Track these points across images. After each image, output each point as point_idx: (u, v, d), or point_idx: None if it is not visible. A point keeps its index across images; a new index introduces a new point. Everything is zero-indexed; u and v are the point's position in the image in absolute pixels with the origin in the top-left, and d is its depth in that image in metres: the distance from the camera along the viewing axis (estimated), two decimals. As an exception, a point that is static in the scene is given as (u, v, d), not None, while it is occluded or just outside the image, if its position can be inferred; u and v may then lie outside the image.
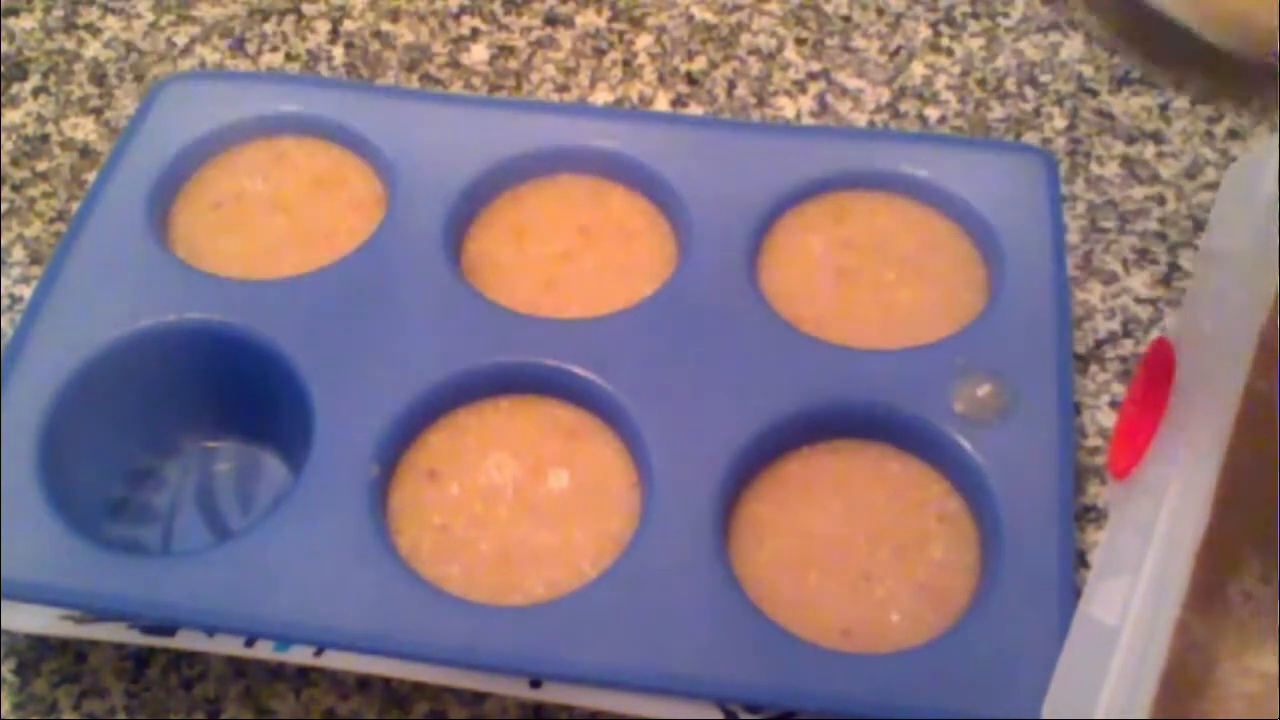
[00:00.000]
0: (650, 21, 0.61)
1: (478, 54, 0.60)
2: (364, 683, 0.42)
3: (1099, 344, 0.50)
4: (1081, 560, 0.43)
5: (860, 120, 0.57)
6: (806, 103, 0.58)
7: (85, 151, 0.57)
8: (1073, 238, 0.52)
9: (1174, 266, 0.51)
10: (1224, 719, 0.33)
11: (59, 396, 0.44)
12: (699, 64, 0.59)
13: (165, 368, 0.45)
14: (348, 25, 0.62)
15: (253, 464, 0.47)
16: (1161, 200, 0.54)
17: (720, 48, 0.60)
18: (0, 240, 0.54)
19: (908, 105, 0.57)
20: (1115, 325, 0.50)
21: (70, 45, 0.62)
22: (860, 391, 0.44)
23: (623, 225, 0.50)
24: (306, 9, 0.62)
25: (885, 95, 0.58)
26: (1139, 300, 0.51)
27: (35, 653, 0.44)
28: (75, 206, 0.53)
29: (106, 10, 0.63)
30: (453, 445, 0.44)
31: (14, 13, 0.63)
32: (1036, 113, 0.57)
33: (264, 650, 0.40)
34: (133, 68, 0.60)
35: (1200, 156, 0.55)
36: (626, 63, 0.59)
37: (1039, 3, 0.61)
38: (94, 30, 0.62)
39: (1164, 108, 0.57)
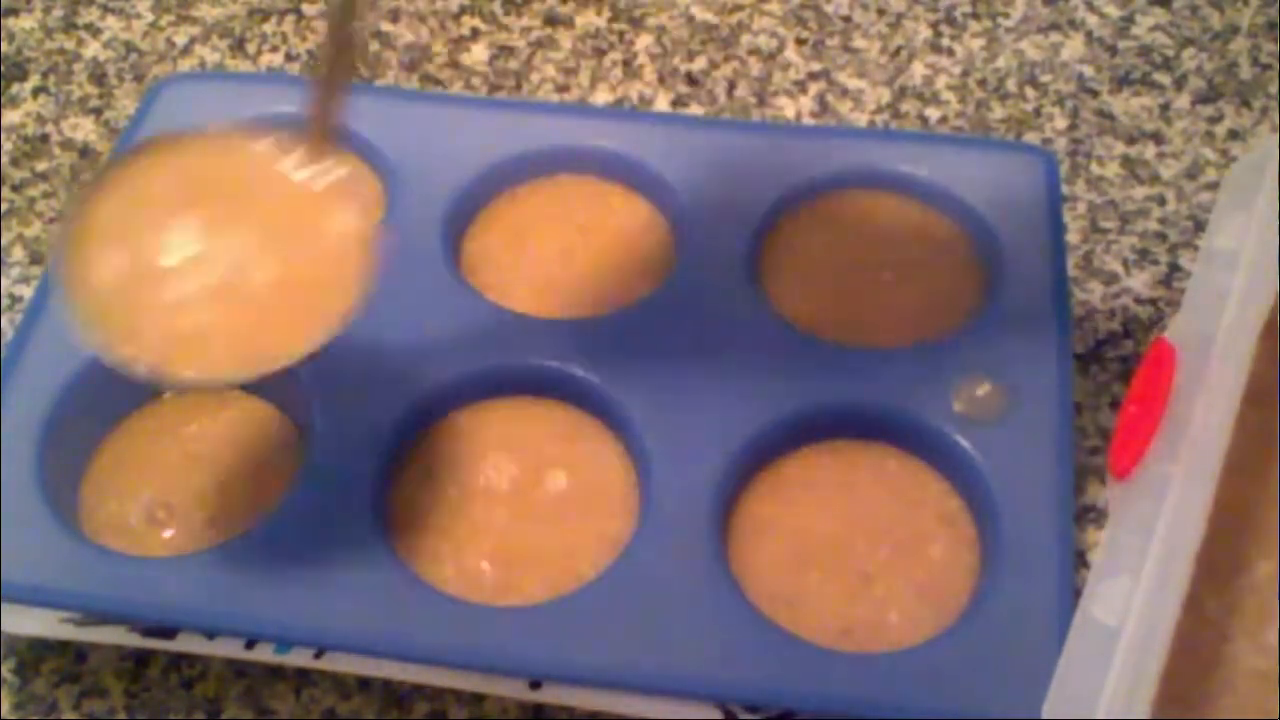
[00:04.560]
0: (650, 22, 0.61)
1: (478, 54, 0.60)
2: (364, 683, 0.42)
3: (1099, 344, 0.49)
4: (1081, 560, 0.43)
5: (860, 120, 0.57)
6: (806, 103, 0.58)
7: (85, 151, 0.57)
8: (1073, 238, 0.52)
9: (1174, 266, 0.51)
10: (1228, 699, 0.33)
11: (59, 397, 0.44)
12: (699, 64, 0.59)
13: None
14: (348, 25, 0.61)
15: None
16: (1161, 200, 0.53)
17: (720, 48, 0.60)
18: (0, 240, 0.54)
19: (908, 105, 0.57)
20: (1115, 325, 0.50)
21: (70, 45, 0.62)
22: (860, 391, 0.44)
23: (622, 225, 0.50)
24: (306, 9, 0.62)
25: (885, 95, 0.58)
26: (1139, 300, 0.51)
27: (35, 653, 0.44)
28: (75, 207, 0.53)
29: (106, 10, 0.63)
30: (452, 446, 0.44)
31: (14, 13, 0.63)
32: (1037, 113, 0.57)
33: (264, 652, 0.40)
34: (133, 68, 0.60)
35: (1200, 156, 0.55)
36: (626, 63, 0.59)
37: (1039, 3, 0.61)
38: (94, 30, 0.62)
39: (1164, 108, 0.57)
